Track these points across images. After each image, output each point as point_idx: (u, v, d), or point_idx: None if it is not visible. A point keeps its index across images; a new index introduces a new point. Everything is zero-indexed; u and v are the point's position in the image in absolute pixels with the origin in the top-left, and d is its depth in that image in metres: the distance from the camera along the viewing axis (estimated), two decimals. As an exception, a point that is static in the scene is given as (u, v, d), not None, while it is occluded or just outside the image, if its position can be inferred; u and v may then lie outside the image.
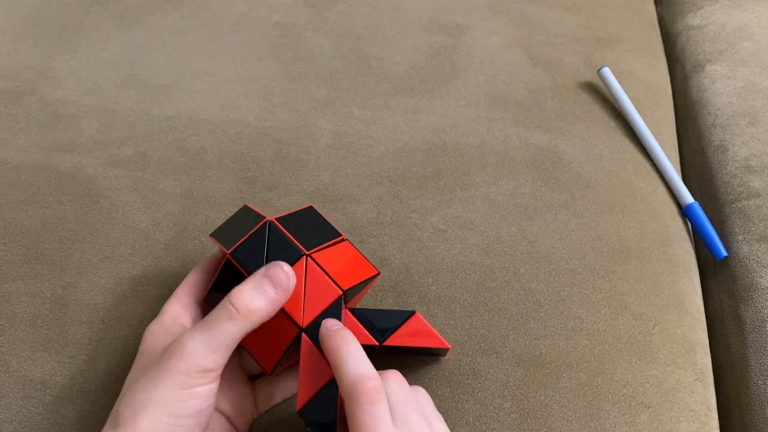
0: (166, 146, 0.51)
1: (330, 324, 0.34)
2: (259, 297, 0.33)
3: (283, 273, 0.34)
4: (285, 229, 0.36)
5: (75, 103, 0.54)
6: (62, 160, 0.50)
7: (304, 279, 0.35)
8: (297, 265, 0.35)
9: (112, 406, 0.38)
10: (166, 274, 0.44)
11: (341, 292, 0.35)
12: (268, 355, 0.35)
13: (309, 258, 0.36)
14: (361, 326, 0.37)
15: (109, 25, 0.61)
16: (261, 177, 0.49)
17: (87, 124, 0.52)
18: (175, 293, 0.37)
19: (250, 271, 0.34)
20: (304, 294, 0.35)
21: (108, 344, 0.41)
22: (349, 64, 0.58)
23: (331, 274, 0.36)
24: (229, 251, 0.36)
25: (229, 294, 0.33)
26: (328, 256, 0.36)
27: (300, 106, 0.55)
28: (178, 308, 0.36)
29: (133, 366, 0.34)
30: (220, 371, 0.32)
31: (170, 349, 0.32)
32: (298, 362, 0.36)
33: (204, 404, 0.32)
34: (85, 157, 0.50)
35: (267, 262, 0.35)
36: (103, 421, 0.38)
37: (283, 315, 0.35)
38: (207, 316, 0.33)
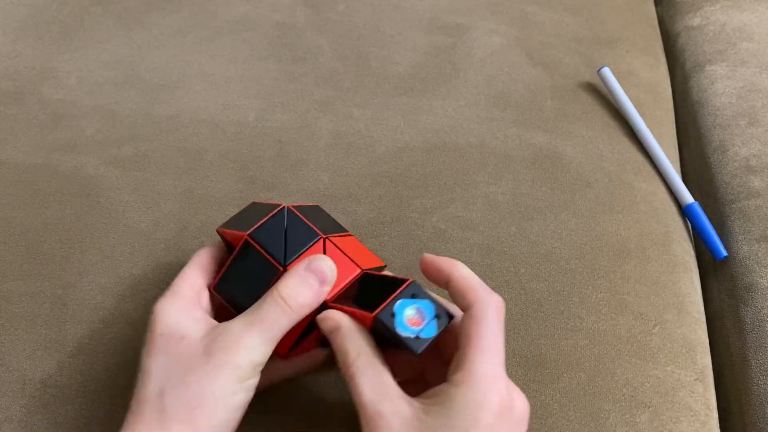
0: (166, 146, 0.51)
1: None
2: (307, 291, 0.33)
3: (327, 267, 0.34)
4: (301, 215, 0.37)
5: (75, 103, 0.54)
6: (62, 160, 0.50)
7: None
8: (316, 245, 0.35)
9: (112, 405, 0.38)
10: (166, 273, 0.44)
11: (361, 269, 0.36)
12: (285, 338, 0.34)
13: (327, 240, 0.36)
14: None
15: (109, 25, 0.61)
16: (261, 177, 0.49)
17: (87, 124, 0.52)
18: (186, 273, 0.36)
19: (271, 251, 0.35)
20: None
21: (108, 344, 0.41)
22: (349, 64, 0.58)
23: (349, 256, 0.36)
24: (247, 233, 0.36)
25: (278, 288, 0.33)
26: (342, 242, 0.37)
27: (300, 106, 0.55)
28: (195, 292, 0.35)
29: (153, 351, 0.33)
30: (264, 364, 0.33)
31: (223, 342, 0.32)
32: (313, 347, 0.36)
33: (249, 396, 0.32)
34: (85, 157, 0.50)
35: (286, 243, 0.35)
36: (103, 421, 0.38)
37: None
38: (256, 310, 0.33)
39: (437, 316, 0.32)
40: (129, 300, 0.43)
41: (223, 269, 0.36)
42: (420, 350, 0.31)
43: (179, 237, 0.46)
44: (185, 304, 0.34)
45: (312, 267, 0.34)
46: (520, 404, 0.31)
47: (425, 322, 0.32)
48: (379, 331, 0.32)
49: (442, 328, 0.32)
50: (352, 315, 0.33)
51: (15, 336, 0.41)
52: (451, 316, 0.33)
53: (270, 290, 0.33)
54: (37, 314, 0.42)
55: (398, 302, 0.32)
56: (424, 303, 0.32)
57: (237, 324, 0.32)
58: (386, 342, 0.33)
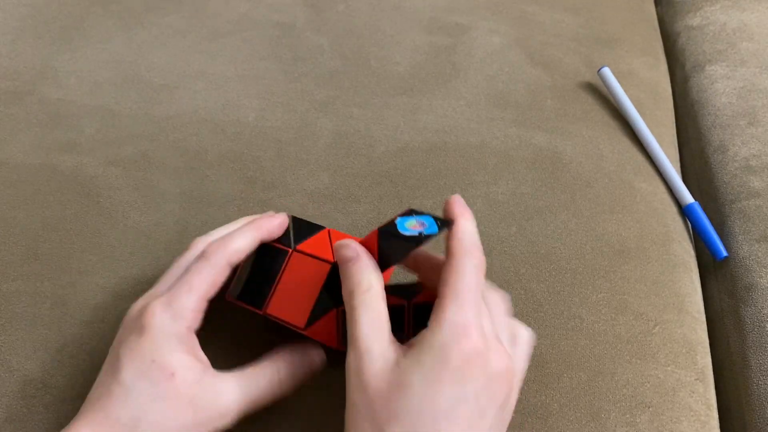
0: (166, 146, 0.51)
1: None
2: (305, 375, 0.36)
3: (320, 358, 0.37)
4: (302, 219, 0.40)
5: (75, 103, 0.54)
6: (62, 160, 0.50)
7: (330, 241, 0.38)
8: (321, 233, 0.38)
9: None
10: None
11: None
12: (300, 307, 0.35)
13: (331, 230, 0.39)
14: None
15: (109, 25, 0.61)
16: (261, 177, 0.49)
17: (87, 124, 0.52)
18: (195, 288, 0.34)
19: (280, 241, 0.37)
20: (332, 247, 0.37)
21: (108, 344, 0.41)
22: (349, 64, 0.58)
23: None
24: None
25: (278, 371, 0.35)
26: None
27: (300, 106, 0.55)
28: (196, 314, 0.34)
29: (138, 372, 0.32)
30: None
31: (212, 406, 0.33)
32: (333, 338, 0.37)
33: None
34: (85, 157, 0.50)
35: (293, 234, 0.38)
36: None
37: (311, 261, 0.36)
38: (252, 383, 0.34)
39: (437, 221, 0.34)
40: (129, 300, 0.42)
41: (236, 274, 0.37)
42: (423, 243, 0.32)
43: (179, 237, 0.46)
44: (185, 332, 0.33)
45: (309, 356, 0.36)
46: (499, 362, 0.31)
47: (426, 226, 0.33)
48: (385, 249, 0.33)
49: (444, 228, 0.33)
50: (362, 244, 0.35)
51: (15, 336, 0.41)
52: (451, 223, 0.34)
53: (272, 363, 0.35)
54: (37, 314, 0.42)
55: (399, 218, 0.34)
56: (424, 217, 0.34)
57: (230, 393, 0.33)
58: (392, 259, 0.34)
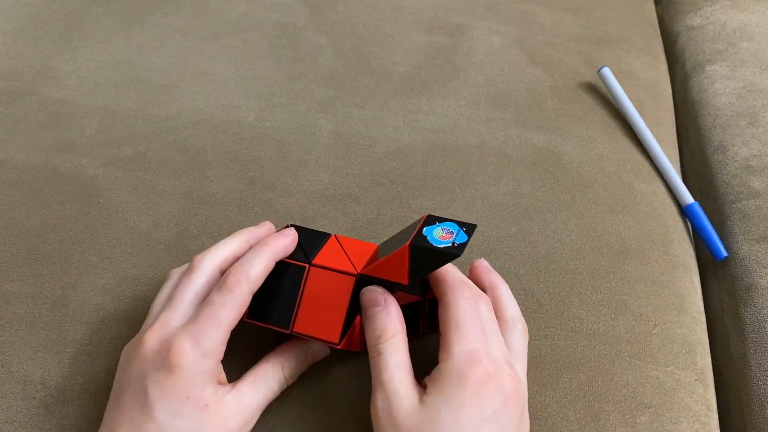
0: (166, 146, 0.51)
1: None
2: (302, 371, 0.38)
3: (323, 351, 0.39)
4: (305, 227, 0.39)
5: (75, 103, 0.54)
6: (62, 161, 0.50)
7: (341, 248, 0.38)
8: (330, 241, 0.38)
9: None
10: (166, 274, 0.44)
11: (377, 246, 0.38)
12: (331, 323, 0.36)
13: (336, 236, 0.39)
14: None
15: (109, 25, 0.61)
16: (261, 177, 0.49)
17: (87, 124, 0.52)
18: (223, 324, 0.34)
19: (293, 257, 0.37)
20: (347, 256, 0.37)
21: (108, 344, 0.41)
22: (349, 64, 0.58)
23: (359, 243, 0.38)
24: None
25: (283, 371, 0.37)
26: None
27: (300, 106, 0.55)
28: (224, 348, 0.34)
29: (176, 410, 0.32)
30: None
31: (241, 417, 0.34)
32: (358, 344, 0.38)
33: None
34: (85, 157, 0.50)
35: (303, 247, 0.38)
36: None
37: (332, 275, 0.36)
38: (264, 384, 0.36)
39: (462, 227, 0.34)
40: (129, 301, 0.43)
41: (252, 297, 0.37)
42: (461, 252, 0.33)
43: (179, 237, 0.46)
44: (217, 369, 0.34)
45: (311, 352, 0.38)
46: (511, 383, 0.33)
47: (455, 234, 0.34)
48: (419, 263, 0.34)
49: (472, 233, 0.34)
50: (388, 263, 0.35)
51: (15, 337, 0.41)
52: (474, 226, 0.35)
53: (276, 359, 0.37)
54: (37, 315, 0.42)
55: (425, 228, 0.34)
56: (447, 224, 0.35)
57: (250, 401, 0.35)
58: (426, 271, 0.35)
